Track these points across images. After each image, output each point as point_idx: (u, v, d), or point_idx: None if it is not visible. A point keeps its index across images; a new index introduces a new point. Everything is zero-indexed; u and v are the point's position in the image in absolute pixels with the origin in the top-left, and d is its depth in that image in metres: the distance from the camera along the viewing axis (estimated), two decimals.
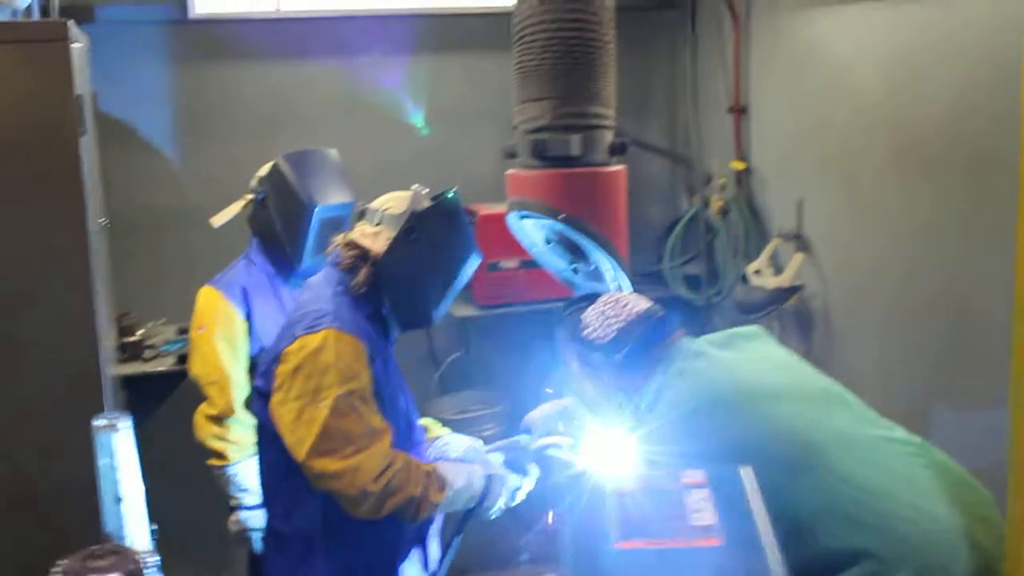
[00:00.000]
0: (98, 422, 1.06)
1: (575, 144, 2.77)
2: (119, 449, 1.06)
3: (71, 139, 2.42)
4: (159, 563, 1.06)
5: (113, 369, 3.51)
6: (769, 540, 1.39)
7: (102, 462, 1.06)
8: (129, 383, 3.88)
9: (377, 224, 2.51)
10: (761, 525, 1.43)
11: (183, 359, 3.66)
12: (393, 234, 2.47)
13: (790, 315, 4.09)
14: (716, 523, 1.44)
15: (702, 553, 1.36)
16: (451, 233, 2.52)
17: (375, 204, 2.55)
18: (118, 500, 1.06)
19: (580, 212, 2.78)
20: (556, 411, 2.72)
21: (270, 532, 2.60)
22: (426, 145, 4.55)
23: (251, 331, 3.13)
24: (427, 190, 2.53)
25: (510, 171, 2.90)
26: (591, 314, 2.43)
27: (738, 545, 1.39)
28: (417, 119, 4.55)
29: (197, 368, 3.10)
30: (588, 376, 2.44)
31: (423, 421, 2.80)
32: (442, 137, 4.59)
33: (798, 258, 3.95)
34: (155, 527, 1.25)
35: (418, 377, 4.48)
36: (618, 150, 2.86)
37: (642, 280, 4.28)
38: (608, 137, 2.87)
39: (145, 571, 0.97)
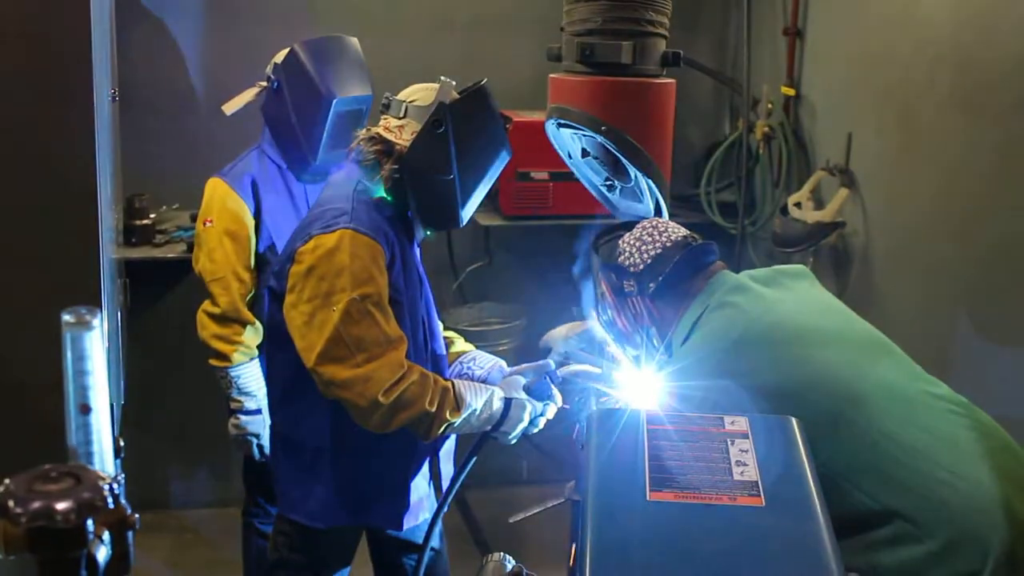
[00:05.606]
0: (68, 316, 0.90)
1: (626, 51, 2.58)
2: (92, 350, 0.91)
3: None
4: (123, 488, 0.92)
5: (117, 252, 3.37)
6: (820, 507, 1.25)
7: (72, 366, 0.91)
8: (134, 269, 3.76)
9: (402, 117, 2.36)
10: (812, 488, 1.29)
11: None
12: (419, 127, 2.33)
13: (827, 252, 3.92)
14: (759, 479, 1.29)
15: (744, 513, 1.22)
16: (481, 127, 2.37)
17: (401, 96, 2.40)
18: (87, 410, 0.91)
19: (624, 125, 2.61)
20: (576, 332, 2.61)
21: (278, 436, 2.52)
22: (469, 45, 4.32)
23: (259, 226, 2.99)
24: (454, 83, 2.39)
25: (553, 75, 2.73)
26: (628, 239, 2.28)
27: (783, 507, 1.25)
28: None
29: (201, 264, 2.97)
30: (618, 307, 2.30)
31: (447, 334, 2.69)
32: (486, 38, 4.36)
33: (842, 194, 3.77)
34: (123, 443, 1.11)
35: (436, 285, 4.25)
36: (671, 61, 2.67)
37: (676, 203, 4.12)
38: (661, 46, 2.67)
39: (107, 498, 0.83)
